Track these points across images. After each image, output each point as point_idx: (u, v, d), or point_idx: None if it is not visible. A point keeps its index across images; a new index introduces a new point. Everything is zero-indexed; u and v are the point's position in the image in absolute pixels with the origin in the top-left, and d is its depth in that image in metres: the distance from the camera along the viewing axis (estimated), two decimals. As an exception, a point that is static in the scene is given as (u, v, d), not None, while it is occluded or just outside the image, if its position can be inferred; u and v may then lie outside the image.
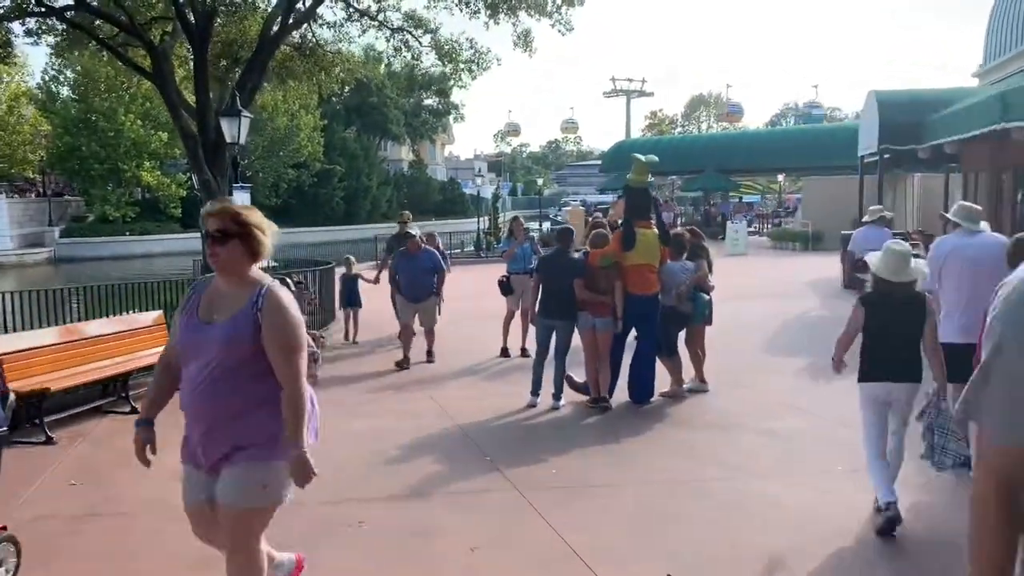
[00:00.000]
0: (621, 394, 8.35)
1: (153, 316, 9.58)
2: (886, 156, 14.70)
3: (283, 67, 18.32)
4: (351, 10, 17.81)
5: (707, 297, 8.66)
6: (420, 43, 18.37)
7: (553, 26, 17.24)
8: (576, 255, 8.32)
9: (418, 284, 10.53)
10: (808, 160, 33.08)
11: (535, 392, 8.34)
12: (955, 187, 22.56)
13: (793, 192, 51.65)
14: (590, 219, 15.44)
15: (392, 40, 18.70)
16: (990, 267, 5.36)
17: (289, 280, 10.76)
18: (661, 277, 8.34)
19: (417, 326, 10.59)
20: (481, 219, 31.37)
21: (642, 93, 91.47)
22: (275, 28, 15.47)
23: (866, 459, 5.22)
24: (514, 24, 17.65)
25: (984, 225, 6.20)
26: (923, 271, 5.26)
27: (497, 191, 37.20)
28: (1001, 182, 17.52)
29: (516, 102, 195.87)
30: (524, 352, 10.85)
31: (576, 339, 8.29)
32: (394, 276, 10.69)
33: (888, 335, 5.06)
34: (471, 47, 18.37)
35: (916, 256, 5.05)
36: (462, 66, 18.63)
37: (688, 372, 8.67)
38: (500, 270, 11.77)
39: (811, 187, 31.10)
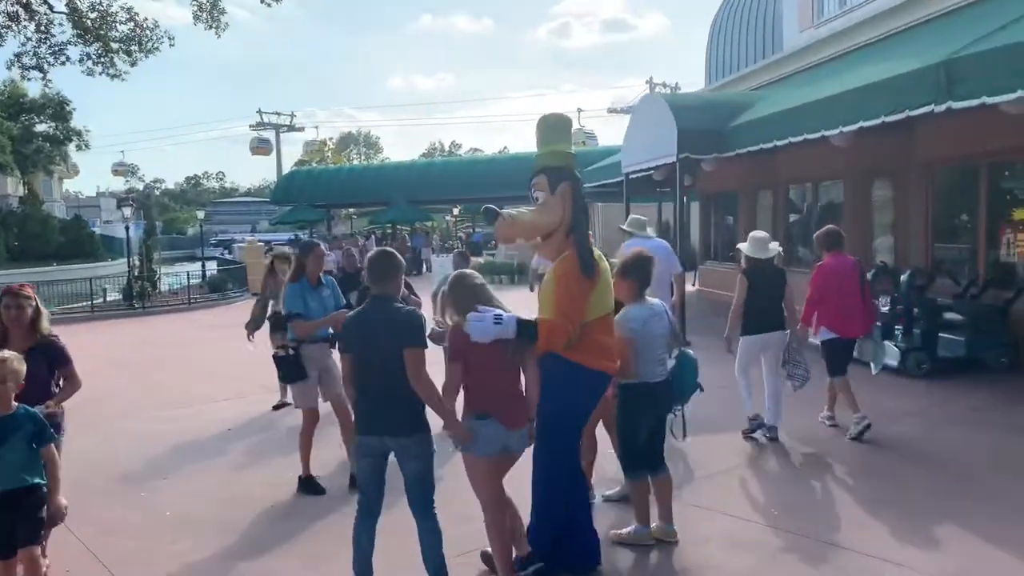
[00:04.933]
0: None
1: None
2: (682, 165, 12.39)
3: None
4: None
5: (693, 355, 5.04)
6: (50, 7, 12.69)
7: (255, -8, 12.75)
8: (401, 305, 4.13)
9: None
10: (505, 189, 31.15)
11: (357, 587, 4.13)
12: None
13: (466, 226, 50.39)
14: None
15: (3, 4, 12.76)
16: (661, 260, 6.12)
17: None
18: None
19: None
20: (132, 261, 24.84)
21: (291, 128, 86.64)
22: None
23: (743, 389, 7.11)
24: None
25: (650, 231, 8.16)
26: (778, 249, 7.20)
27: (152, 229, 30.36)
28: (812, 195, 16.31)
29: (144, 137, 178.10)
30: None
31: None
32: None
33: (763, 298, 6.85)
34: (130, 19, 13.08)
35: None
36: (116, 46, 13.20)
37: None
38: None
39: (512, 217, 29.19)
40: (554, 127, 4.29)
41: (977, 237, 10.61)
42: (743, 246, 7.09)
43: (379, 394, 4.02)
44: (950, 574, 4.41)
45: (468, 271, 4.31)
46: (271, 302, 8.70)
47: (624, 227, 8.08)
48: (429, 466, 4.09)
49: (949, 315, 9.63)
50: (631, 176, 15.05)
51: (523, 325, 3.97)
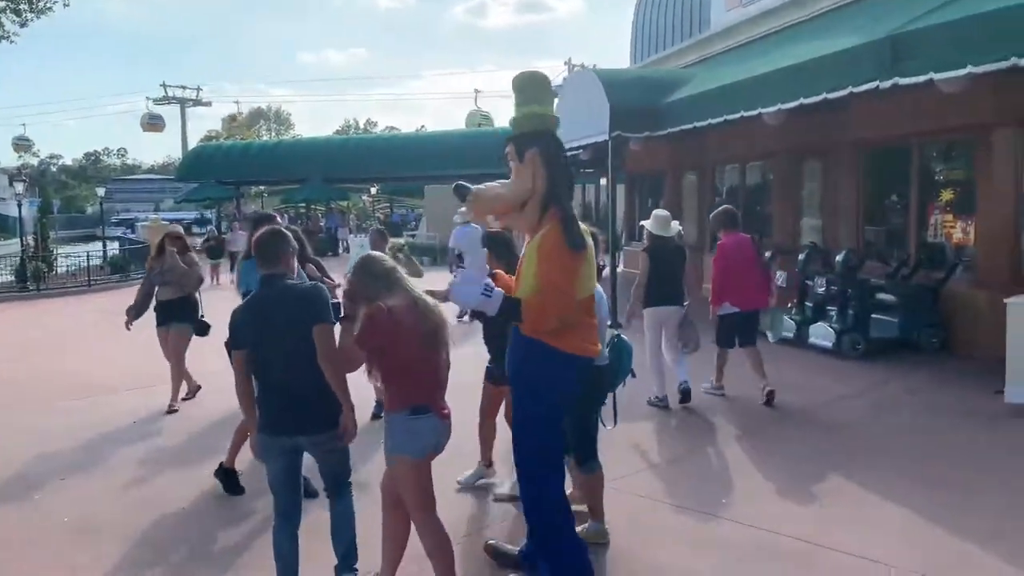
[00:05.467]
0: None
1: None
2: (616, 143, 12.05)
3: None
4: None
5: (628, 340, 4.68)
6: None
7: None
8: (297, 281, 4.00)
9: None
10: (424, 168, 30.51)
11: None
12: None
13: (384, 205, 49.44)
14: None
15: None
16: None
17: None
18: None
19: None
20: (25, 240, 23.31)
21: (198, 102, 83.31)
22: None
23: (650, 363, 7.22)
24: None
25: None
26: (679, 228, 7.52)
27: (47, 207, 28.48)
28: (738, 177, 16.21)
29: (41, 110, 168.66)
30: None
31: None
32: None
33: (663, 274, 7.19)
34: (19, -28, 11.98)
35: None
36: (2, 4, 12.08)
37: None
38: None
39: (433, 197, 28.53)
40: (522, 88, 3.74)
41: (908, 217, 10.63)
42: (647, 223, 7.36)
43: (286, 388, 3.66)
44: (917, 567, 4.18)
45: (376, 254, 3.85)
46: (156, 287, 7.82)
47: None
48: (345, 454, 3.90)
49: (882, 296, 9.60)
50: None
51: (507, 303, 3.48)
